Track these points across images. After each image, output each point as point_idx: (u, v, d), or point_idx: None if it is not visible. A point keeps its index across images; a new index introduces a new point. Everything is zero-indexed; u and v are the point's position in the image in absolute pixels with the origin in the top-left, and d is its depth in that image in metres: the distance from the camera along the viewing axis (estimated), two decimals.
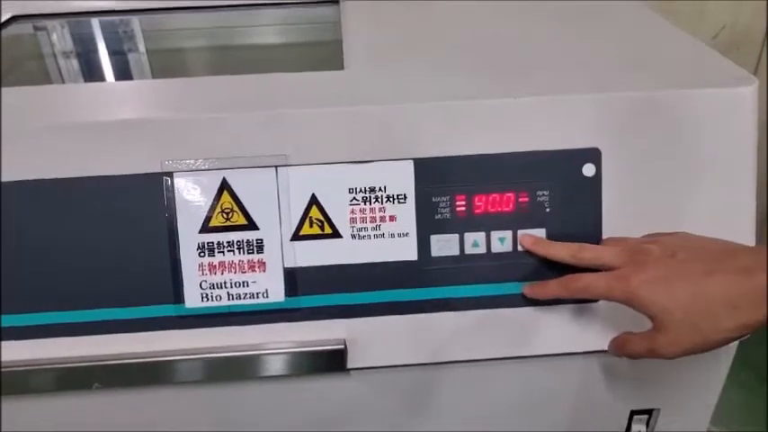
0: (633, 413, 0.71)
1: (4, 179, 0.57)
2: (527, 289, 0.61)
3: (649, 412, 0.71)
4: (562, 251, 0.58)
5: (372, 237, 0.60)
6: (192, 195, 0.58)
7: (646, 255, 0.54)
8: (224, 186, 0.58)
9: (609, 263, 0.55)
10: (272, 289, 0.60)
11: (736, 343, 0.66)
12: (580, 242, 0.59)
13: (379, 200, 0.59)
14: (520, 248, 0.60)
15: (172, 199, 0.58)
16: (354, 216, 0.59)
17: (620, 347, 0.59)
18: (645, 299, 0.52)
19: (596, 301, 0.61)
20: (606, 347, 0.61)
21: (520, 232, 0.60)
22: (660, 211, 0.61)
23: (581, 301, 0.62)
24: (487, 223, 0.60)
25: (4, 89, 0.65)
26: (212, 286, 0.59)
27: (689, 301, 0.51)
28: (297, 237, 0.59)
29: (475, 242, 0.60)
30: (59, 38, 0.96)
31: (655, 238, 0.57)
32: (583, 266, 0.57)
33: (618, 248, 0.56)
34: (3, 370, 0.59)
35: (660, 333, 0.53)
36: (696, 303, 0.51)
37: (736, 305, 0.49)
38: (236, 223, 0.58)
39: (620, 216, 0.60)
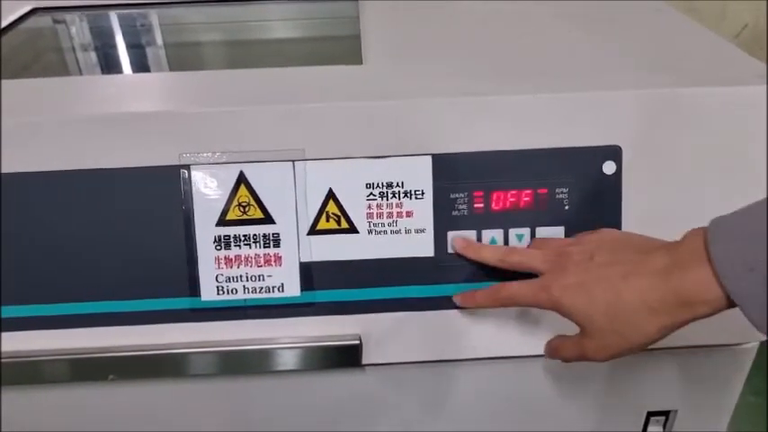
0: (650, 414, 0.70)
1: (23, 170, 0.57)
2: (457, 297, 0.60)
3: (666, 414, 0.70)
4: (491, 255, 0.58)
5: (389, 232, 0.59)
6: (209, 188, 0.58)
7: (566, 259, 0.53)
8: (241, 180, 0.58)
9: (535, 266, 0.55)
10: (288, 283, 0.60)
11: (757, 344, 0.66)
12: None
13: (397, 195, 0.59)
14: (450, 251, 0.59)
15: (189, 192, 0.58)
16: (371, 211, 0.59)
17: (553, 352, 0.58)
18: (568, 306, 0.52)
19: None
20: None
21: (451, 234, 0.59)
22: (680, 208, 0.60)
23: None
24: (505, 220, 0.59)
25: (23, 81, 0.65)
26: (228, 280, 0.59)
27: (608, 307, 0.50)
28: (313, 231, 0.59)
29: (492, 239, 0.60)
30: (78, 31, 0.96)
31: (577, 239, 0.56)
32: (511, 270, 0.57)
33: (544, 252, 0.56)
34: (20, 360, 0.59)
35: (587, 338, 0.52)
36: (615, 309, 0.50)
37: (655, 309, 0.48)
38: (253, 217, 0.58)
39: (640, 214, 0.60)
